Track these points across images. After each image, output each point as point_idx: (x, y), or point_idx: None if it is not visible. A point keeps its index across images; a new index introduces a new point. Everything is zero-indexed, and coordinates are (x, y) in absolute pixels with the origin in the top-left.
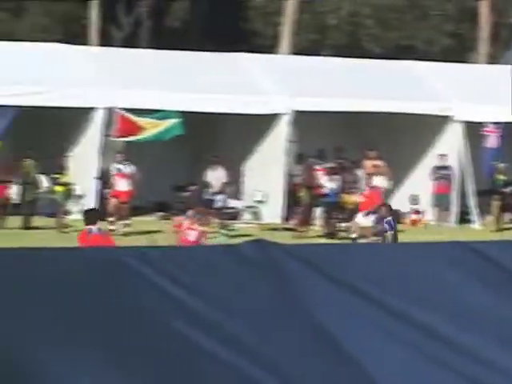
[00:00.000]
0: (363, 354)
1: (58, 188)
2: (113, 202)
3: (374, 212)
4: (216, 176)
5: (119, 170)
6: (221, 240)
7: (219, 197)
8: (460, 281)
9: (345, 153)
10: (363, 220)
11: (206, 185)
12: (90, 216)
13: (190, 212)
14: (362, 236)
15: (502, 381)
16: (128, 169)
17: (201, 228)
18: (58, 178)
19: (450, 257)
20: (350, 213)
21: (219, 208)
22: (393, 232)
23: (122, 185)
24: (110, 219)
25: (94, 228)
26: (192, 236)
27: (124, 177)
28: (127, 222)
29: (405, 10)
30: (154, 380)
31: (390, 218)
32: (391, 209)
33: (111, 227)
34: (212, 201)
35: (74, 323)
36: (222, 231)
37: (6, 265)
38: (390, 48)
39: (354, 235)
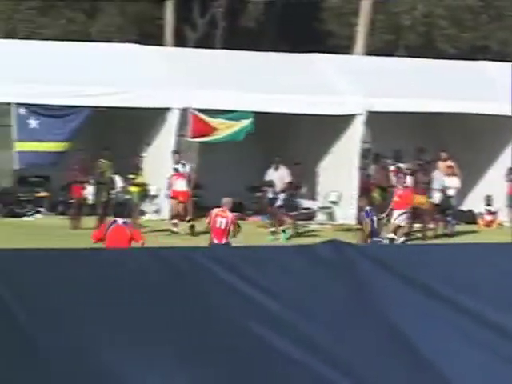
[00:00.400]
0: (438, 356)
1: (133, 188)
2: (172, 202)
3: (406, 212)
4: (279, 176)
5: (176, 170)
6: (282, 241)
7: (281, 196)
8: None
9: (426, 154)
10: (395, 219)
11: (271, 184)
12: (119, 209)
13: (224, 200)
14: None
15: None
16: (185, 169)
17: (231, 214)
18: (132, 179)
19: None
20: (422, 213)
21: (280, 207)
22: (370, 221)
23: (179, 185)
24: (173, 221)
25: (119, 220)
26: (223, 224)
27: (181, 177)
28: (189, 221)
29: (479, 11)
30: (227, 378)
31: (367, 208)
32: (372, 201)
33: (174, 229)
34: (275, 200)
35: (146, 323)
36: (285, 232)
37: (79, 265)
38: (465, 48)
39: (390, 235)
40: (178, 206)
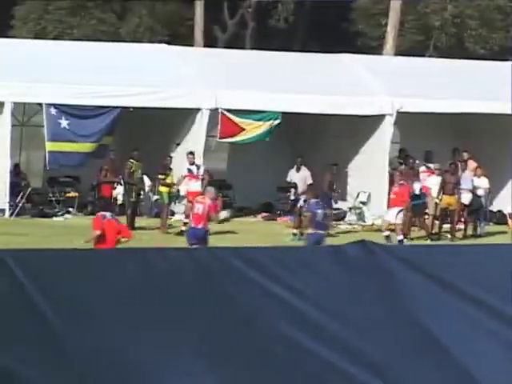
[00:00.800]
0: (466, 355)
1: (163, 189)
2: (188, 203)
3: (402, 209)
4: (300, 177)
5: (190, 170)
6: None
7: (303, 197)
8: None
9: (460, 155)
10: (391, 217)
11: (294, 186)
12: (103, 204)
13: (207, 188)
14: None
15: None
16: (199, 170)
17: (209, 201)
18: (162, 179)
19: None
20: (450, 214)
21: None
22: (322, 211)
23: (193, 186)
24: (184, 220)
25: (107, 214)
26: (200, 209)
27: (194, 178)
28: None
29: (509, 11)
30: (258, 380)
31: (314, 200)
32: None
33: (183, 228)
34: (297, 201)
35: (177, 323)
36: (296, 234)
37: (112, 264)
38: (494, 49)
39: (386, 233)
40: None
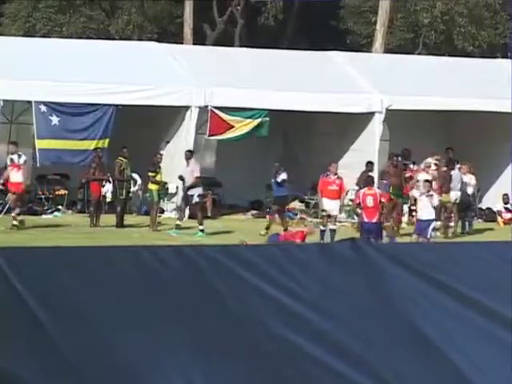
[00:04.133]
0: (459, 355)
1: (152, 186)
2: (8, 193)
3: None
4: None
5: (12, 160)
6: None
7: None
8: None
9: (452, 153)
10: (329, 207)
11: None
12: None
13: None
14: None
15: None
16: (21, 160)
17: None
18: (152, 177)
19: None
20: (445, 212)
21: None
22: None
23: (15, 176)
24: (13, 214)
25: None
26: None
27: (17, 168)
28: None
29: (498, 8)
30: (246, 377)
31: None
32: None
33: (14, 222)
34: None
35: (165, 321)
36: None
37: (100, 262)
38: (484, 46)
39: (331, 226)
40: (13, 197)
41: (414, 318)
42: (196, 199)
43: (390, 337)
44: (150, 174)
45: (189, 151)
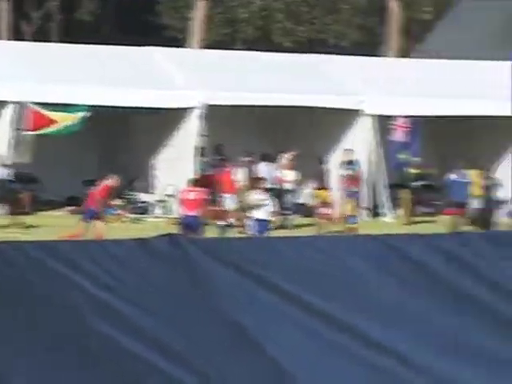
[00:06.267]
0: (280, 351)
1: None
2: None
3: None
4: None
5: None
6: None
7: None
8: (373, 274)
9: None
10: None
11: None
12: None
13: None
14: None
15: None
16: None
17: None
18: None
19: (363, 251)
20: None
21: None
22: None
23: None
24: None
25: None
26: None
27: None
28: None
29: (315, 4)
30: (73, 378)
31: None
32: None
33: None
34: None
35: None
36: None
37: None
38: (301, 42)
39: (230, 220)
40: None
41: (232, 312)
42: None
43: (210, 331)
44: None
45: None
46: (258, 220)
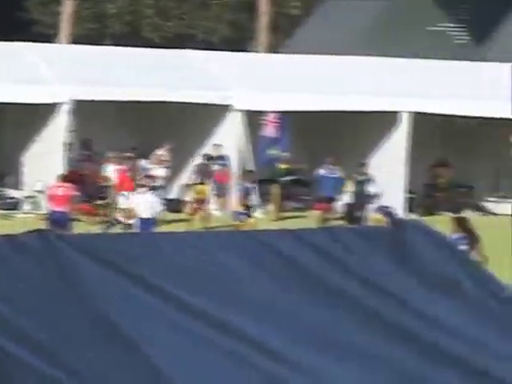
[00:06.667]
0: (145, 342)
1: None
2: None
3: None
4: None
5: None
6: None
7: None
8: (246, 270)
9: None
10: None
11: None
12: None
13: None
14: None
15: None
16: None
17: None
18: None
19: (235, 246)
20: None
21: None
22: None
23: None
24: None
25: None
26: None
27: None
28: None
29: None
30: None
31: None
32: None
33: None
34: None
35: None
36: None
37: None
38: (170, 37)
39: (119, 218)
40: None
41: (105, 310)
42: None
43: (82, 329)
44: None
45: None
46: (142, 219)
